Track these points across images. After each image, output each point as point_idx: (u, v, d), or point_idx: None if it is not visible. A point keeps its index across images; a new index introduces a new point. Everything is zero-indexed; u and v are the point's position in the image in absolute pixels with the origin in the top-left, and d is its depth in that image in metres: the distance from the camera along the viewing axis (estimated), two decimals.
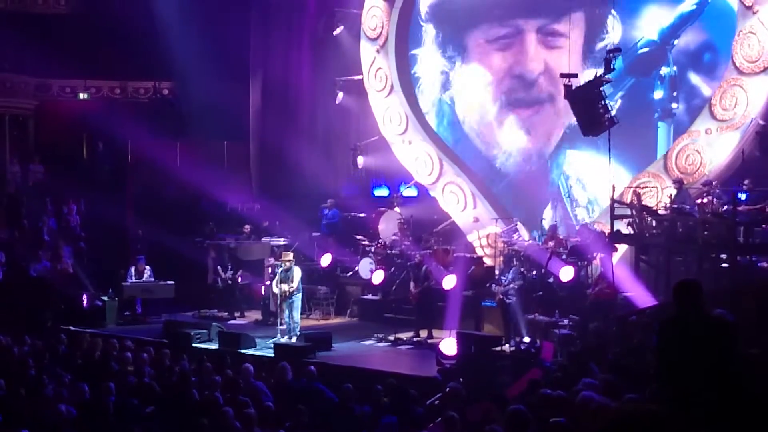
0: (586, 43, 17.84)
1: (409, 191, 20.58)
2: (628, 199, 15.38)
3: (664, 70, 17.00)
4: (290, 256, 15.79)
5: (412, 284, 16.25)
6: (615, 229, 14.95)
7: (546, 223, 17.84)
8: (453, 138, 20.07)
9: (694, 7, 16.53)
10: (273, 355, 14.14)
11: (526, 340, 14.05)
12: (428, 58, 20.28)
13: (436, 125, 20.26)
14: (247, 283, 18.65)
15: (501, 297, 14.92)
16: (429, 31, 20.22)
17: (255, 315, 18.12)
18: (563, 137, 18.43)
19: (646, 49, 17.17)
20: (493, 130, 19.49)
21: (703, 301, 6.30)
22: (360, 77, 20.70)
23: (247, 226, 19.68)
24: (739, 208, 13.91)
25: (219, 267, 18.58)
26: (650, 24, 17.09)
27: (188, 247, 19.29)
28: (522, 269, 15.29)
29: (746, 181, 14.61)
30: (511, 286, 14.79)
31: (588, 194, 18.09)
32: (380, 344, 15.70)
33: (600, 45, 17.44)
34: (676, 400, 6.01)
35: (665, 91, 17.06)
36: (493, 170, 19.56)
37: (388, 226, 19.23)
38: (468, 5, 19.59)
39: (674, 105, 17.00)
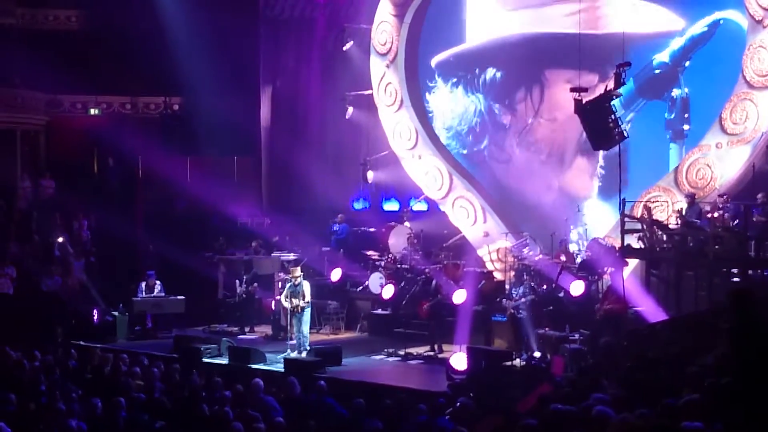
0: None
1: (419, 206, 20.56)
2: (638, 213, 15.35)
3: (676, 92, 16.94)
4: (298, 270, 15.79)
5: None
6: (626, 244, 14.91)
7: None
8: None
9: (706, 29, 16.51)
10: (283, 370, 14.12)
11: (537, 354, 14.04)
12: (473, 102, 19.85)
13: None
14: (258, 298, 18.66)
15: (512, 311, 14.90)
16: (489, 74, 19.60)
17: (265, 330, 18.11)
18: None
19: (658, 71, 17.11)
20: (561, 169, 18.70)
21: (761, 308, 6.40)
22: (370, 92, 20.73)
23: (254, 242, 19.69)
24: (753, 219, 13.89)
25: (237, 281, 18.61)
26: None
27: (198, 262, 19.36)
28: (532, 284, 15.27)
29: (759, 195, 14.56)
30: (522, 300, 14.78)
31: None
32: (390, 359, 15.68)
33: None
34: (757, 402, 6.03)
35: (677, 113, 16.97)
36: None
37: (398, 241, 19.21)
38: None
39: (686, 127, 16.88)
